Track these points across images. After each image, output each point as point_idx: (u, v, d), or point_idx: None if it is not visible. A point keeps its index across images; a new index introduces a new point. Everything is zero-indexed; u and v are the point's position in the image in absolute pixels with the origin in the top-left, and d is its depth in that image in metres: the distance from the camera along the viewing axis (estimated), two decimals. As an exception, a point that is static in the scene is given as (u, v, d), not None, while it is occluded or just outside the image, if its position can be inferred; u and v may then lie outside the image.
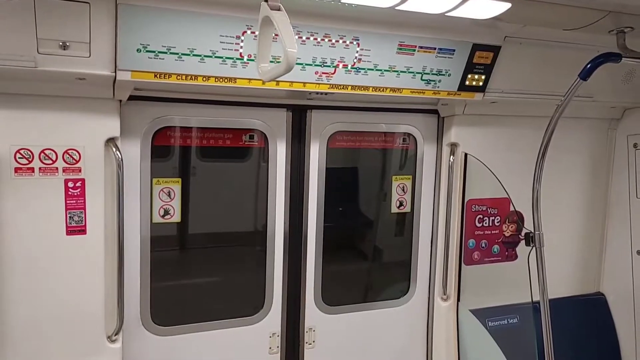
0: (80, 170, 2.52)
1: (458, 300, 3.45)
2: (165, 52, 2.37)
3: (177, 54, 2.39)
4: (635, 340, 3.71)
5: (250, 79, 2.57)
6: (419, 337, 3.61)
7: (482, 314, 3.39)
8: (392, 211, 3.51)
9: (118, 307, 2.68)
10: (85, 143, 2.52)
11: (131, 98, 2.64)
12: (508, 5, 2.34)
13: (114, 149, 2.58)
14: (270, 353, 3.22)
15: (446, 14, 2.42)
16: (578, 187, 3.82)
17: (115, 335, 2.70)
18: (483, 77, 3.01)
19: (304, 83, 2.70)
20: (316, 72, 2.68)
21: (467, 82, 3.00)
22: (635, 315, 3.69)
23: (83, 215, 2.54)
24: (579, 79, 2.62)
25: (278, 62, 1.65)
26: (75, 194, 2.53)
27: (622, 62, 2.65)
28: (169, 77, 2.44)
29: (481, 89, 3.07)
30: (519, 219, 3.46)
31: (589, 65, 2.60)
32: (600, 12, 2.48)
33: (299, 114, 3.14)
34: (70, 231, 2.54)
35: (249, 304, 3.22)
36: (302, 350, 3.31)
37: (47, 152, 2.47)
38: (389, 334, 3.52)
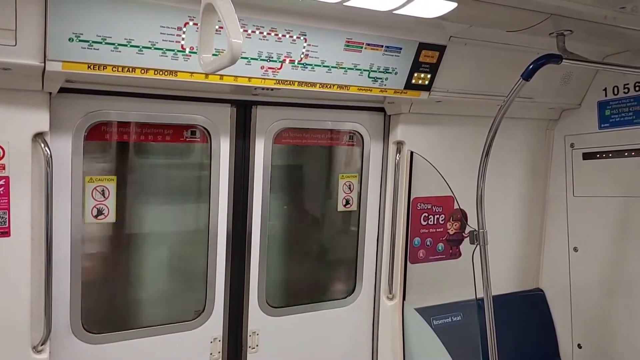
0: (3, 168, 2.35)
1: (404, 299, 3.46)
2: (100, 42, 2.24)
3: (114, 44, 2.27)
4: (571, 334, 3.85)
5: (192, 73, 2.49)
6: (364, 338, 3.59)
7: (427, 313, 3.42)
8: (339, 209, 3.48)
9: (45, 315, 2.50)
10: (9, 138, 2.34)
11: (62, 90, 2.49)
12: (454, 4, 2.37)
13: (43, 145, 2.41)
14: (211, 359, 3.11)
15: (393, 12, 2.42)
16: (518, 186, 3.92)
17: (42, 345, 2.52)
18: (429, 76, 3.04)
19: (249, 78, 2.63)
20: (262, 67, 2.62)
21: (413, 81, 3.03)
22: (572, 309, 3.82)
23: (7, 216, 2.37)
24: (521, 79, 2.67)
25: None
26: (-2, 193, 2.35)
27: (562, 64, 2.72)
28: (104, 69, 2.31)
29: (427, 88, 3.10)
30: (462, 216, 3.51)
31: (531, 66, 2.66)
32: (542, 15, 2.55)
33: (244, 109, 3.05)
34: None
35: (189, 308, 3.10)
36: (245, 355, 3.21)
37: (-35, 147, 2.28)
38: (334, 335, 3.48)
